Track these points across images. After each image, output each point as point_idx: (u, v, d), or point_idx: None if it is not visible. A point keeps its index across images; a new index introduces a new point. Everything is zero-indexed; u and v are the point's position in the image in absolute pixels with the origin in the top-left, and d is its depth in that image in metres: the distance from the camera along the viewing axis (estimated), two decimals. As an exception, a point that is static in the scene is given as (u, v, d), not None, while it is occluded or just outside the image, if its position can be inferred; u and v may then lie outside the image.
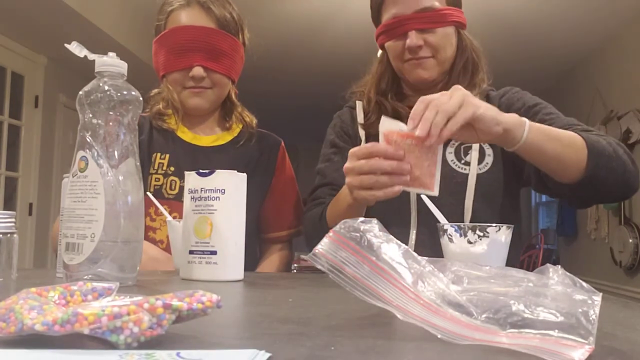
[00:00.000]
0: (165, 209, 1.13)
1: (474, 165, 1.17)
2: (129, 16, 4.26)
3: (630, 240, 4.33)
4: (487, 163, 1.18)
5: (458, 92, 0.87)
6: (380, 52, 1.31)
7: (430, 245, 1.10)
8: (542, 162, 0.99)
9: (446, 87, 1.21)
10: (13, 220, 0.64)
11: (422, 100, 0.86)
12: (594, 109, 5.12)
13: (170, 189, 1.24)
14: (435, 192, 0.88)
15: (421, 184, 0.88)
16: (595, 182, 0.98)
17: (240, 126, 1.36)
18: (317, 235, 1.19)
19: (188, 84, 1.26)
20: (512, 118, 0.90)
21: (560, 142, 0.95)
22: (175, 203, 1.22)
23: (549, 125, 1.04)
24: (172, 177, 1.25)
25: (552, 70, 5.77)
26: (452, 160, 1.18)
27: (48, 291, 0.46)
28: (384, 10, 1.20)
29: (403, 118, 1.22)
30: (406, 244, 1.14)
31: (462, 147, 1.20)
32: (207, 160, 1.28)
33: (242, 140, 1.33)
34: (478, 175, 1.16)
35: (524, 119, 0.92)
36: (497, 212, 1.18)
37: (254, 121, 1.38)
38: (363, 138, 1.26)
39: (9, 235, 0.63)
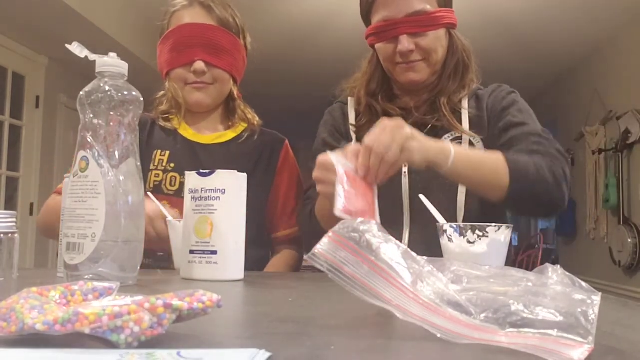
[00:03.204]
0: (165, 204, 1.13)
1: None
2: (130, 17, 4.26)
3: (629, 240, 4.33)
4: None
5: (399, 134, 0.92)
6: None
7: (423, 244, 1.11)
8: (467, 186, 1.12)
9: (436, 89, 1.22)
10: (14, 220, 0.64)
11: (368, 147, 0.92)
12: (593, 109, 5.13)
13: (170, 185, 1.26)
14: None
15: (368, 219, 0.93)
16: (518, 203, 1.08)
17: (244, 125, 1.37)
18: (309, 232, 1.20)
19: (190, 79, 1.28)
20: (438, 153, 0.97)
21: (483, 171, 1.04)
22: (175, 199, 1.23)
23: (512, 128, 1.15)
24: (172, 174, 1.26)
25: (551, 71, 5.77)
26: None
27: (49, 291, 0.46)
28: (374, 12, 1.19)
29: (408, 114, 1.23)
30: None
31: (453, 142, 1.20)
32: (208, 157, 1.29)
33: (244, 138, 1.34)
34: None
35: (451, 150, 0.98)
36: (488, 204, 1.19)
37: (256, 119, 1.38)
38: (354, 139, 1.26)
39: (10, 235, 0.63)
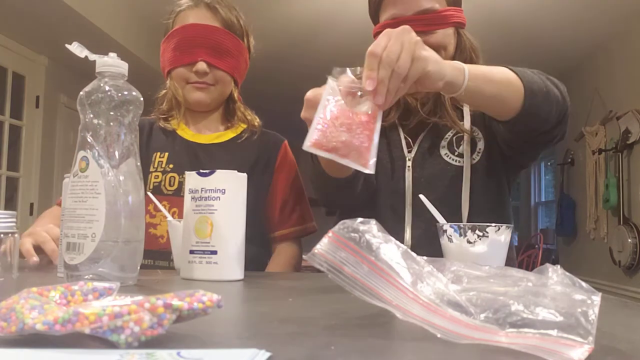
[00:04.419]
0: (165, 204, 1.13)
1: (467, 157, 1.17)
2: (130, 17, 4.26)
3: (629, 240, 4.33)
4: (480, 149, 1.19)
5: (407, 41, 0.81)
6: None
7: (425, 241, 1.11)
8: (482, 104, 1.02)
9: None
10: (14, 220, 0.64)
11: (374, 54, 0.80)
12: (593, 109, 5.13)
13: (170, 185, 1.27)
14: (371, 170, 0.79)
15: (358, 157, 0.78)
16: (533, 111, 0.99)
17: (244, 126, 1.37)
18: (313, 175, 1.15)
19: (192, 78, 1.29)
20: (453, 69, 0.88)
21: (497, 80, 0.96)
22: (174, 198, 1.23)
23: None
24: (170, 174, 1.27)
25: (551, 70, 5.68)
26: (445, 154, 1.19)
27: (49, 291, 0.46)
28: (383, 10, 1.19)
29: (412, 111, 1.22)
30: (401, 240, 1.14)
31: (455, 138, 1.20)
32: (207, 157, 1.29)
33: (243, 138, 1.34)
34: (472, 166, 1.17)
35: (464, 66, 0.90)
36: (492, 198, 1.19)
37: (257, 120, 1.39)
38: None
39: (9, 235, 0.63)
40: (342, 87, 0.80)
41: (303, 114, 0.88)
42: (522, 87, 0.96)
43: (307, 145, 0.76)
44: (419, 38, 0.83)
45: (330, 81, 0.81)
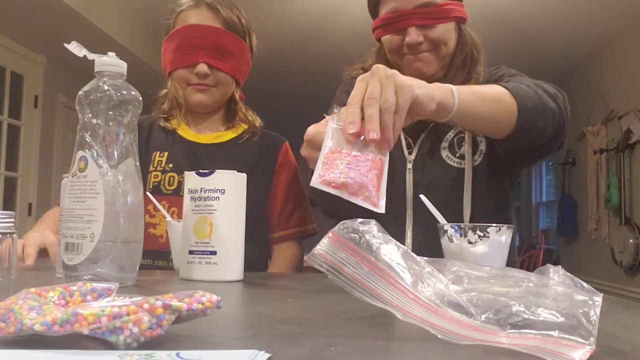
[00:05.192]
0: (164, 204, 1.13)
1: (469, 159, 1.16)
2: (129, 16, 4.26)
3: (631, 241, 4.33)
4: (482, 150, 1.17)
5: (384, 76, 0.78)
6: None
7: (427, 243, 1.10)
8: (477, 124, 0.98)
9: (443, 82, 1.20)
10: (12, 220, 0.64)
11: (349, 103, 0.78)
12: (595, 109, 5.13)
13: (169, 184, 1.26)
14: (381, 209, 0.75)
15: (368, 195, 0.74)
16: (528, 128, 0.96)
17: (245, 126, 1.36)
18: (314, 191, 1.12)
19: (192, 80, 1.28)
20: (440, 88, 0.85)
21: (489, 99, 0.92)
22: (173, 198, 1.23)
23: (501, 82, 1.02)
24: (170, 173, 1.27)
25: (552, 70, 5.77)
26: (446, 156, 1.17)
27: (47, 291, 0.46)
28: (383, 4, 1.17)
29: None
30: (402, 242, 1.13)
31: (456, 139, 1.18)
32: (206, 156, 1.29)
33: (244, 139, 1.34)
34: (474, 168, 1.15)
35: (450, 85, 0.87)
36: (494, 201, 1.18)
37: (258, 121, 1.38)
38: None
39: (8, 235, 0.62)
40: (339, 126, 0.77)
41: (303, 152, 0.85)
42: (515, 105, 0.94)
43: (316, 181, 0.73)
44: (394, 70, 0.80)
45: (331, 122, 0.78)
